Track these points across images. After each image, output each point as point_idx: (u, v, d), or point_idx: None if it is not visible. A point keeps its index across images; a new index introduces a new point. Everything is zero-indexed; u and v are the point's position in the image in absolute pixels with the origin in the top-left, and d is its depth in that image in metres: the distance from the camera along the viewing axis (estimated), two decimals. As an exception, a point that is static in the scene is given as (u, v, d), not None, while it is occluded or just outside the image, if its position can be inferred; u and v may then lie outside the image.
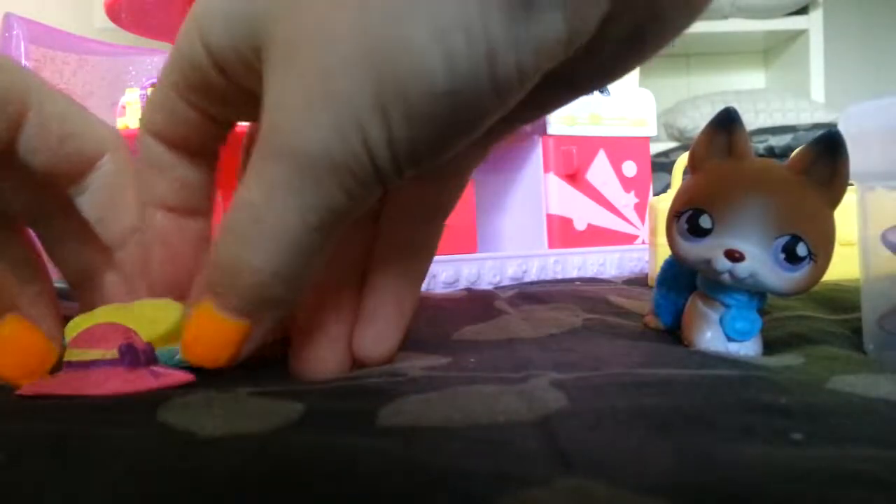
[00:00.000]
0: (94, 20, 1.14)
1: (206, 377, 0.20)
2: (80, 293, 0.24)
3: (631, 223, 0.61)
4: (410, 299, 0.23)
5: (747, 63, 2.02)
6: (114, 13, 0.53)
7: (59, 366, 0.21)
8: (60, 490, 0.13)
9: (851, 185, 0.25)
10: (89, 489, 0.13)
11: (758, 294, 0.25)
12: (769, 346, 0.27)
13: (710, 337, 0.26)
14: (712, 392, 0.19)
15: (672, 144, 1.64)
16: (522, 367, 0.22)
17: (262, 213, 0.18)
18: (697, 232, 0.25)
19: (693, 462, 0.14)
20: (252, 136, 0.22)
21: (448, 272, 0.50)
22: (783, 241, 0.24)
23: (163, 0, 0.51)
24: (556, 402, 0.18)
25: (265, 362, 0.23)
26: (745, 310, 0.25)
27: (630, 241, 0.61)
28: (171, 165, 0.23)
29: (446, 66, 0.16)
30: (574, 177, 0.59)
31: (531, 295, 0.42)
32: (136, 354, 0.20)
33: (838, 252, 0.25)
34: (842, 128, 0.25)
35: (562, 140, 0.58)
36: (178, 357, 0.21)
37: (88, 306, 0.24)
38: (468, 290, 0.49)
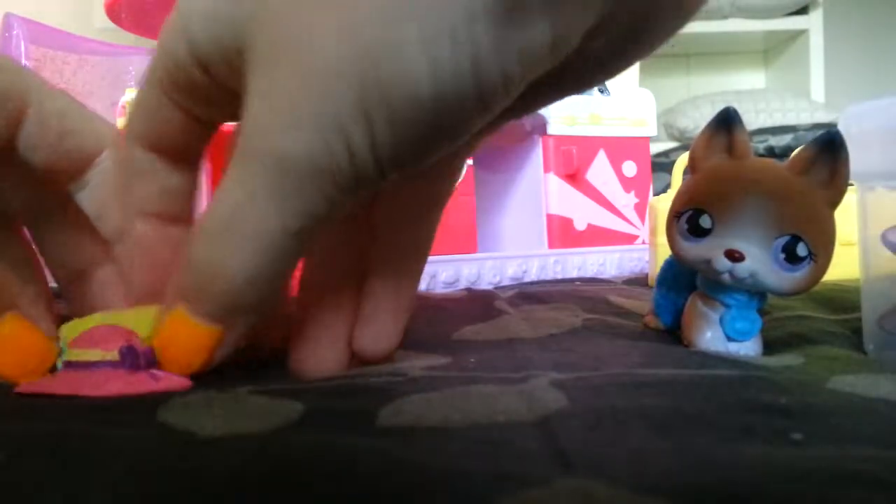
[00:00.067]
0: (94, 20, 1.14)
1: (205, 377, 0.20)
2: (73, 291, 0.24)
3: (631, 223, 0.61)
4: (409, 295, 0.23)
5: (747, 63, 2.02)
6: (114, 13, 0.53)
7: (53, 366, 0.21)
8: (60, 490, 0.13)
9: (851, 185, 0.25)
10: (89, 489, 0.13)
11: (758, 294, 0.25)
12: (769, 346, 0.27)
13: (710, 337, 0.26)
14: (712, 392, 0.19)
15: (672, 144, 1.64)
16: (522, 367, 0.22)
17: (240, 216, 0.18)
18: (697, 232, 0.25)
19: (693, 462, 0.14)
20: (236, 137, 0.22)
21: (448, 272, 0.50)
22: (783, 241, 0.24)
23: (163, 0, 0.51)
24: (555, 402, 0.18)
25: (265, 362, 0.23)
26: (745, 310, 0.25)
27: (630, 241, 0.61)
28: (153, 171, 0.22)
29: (431, 71, 0.16)
30: (574, 177, 0.59)
31: (531, 295, 0.42)
32: (136, 357, 0.20)
33: (838, 252, 0.25)
34: (842, 128, 0.25)
35: (562, 140, 0.58)
36: None
37: (80, 304, 0.24)
38: (468, 290, 0.49)
